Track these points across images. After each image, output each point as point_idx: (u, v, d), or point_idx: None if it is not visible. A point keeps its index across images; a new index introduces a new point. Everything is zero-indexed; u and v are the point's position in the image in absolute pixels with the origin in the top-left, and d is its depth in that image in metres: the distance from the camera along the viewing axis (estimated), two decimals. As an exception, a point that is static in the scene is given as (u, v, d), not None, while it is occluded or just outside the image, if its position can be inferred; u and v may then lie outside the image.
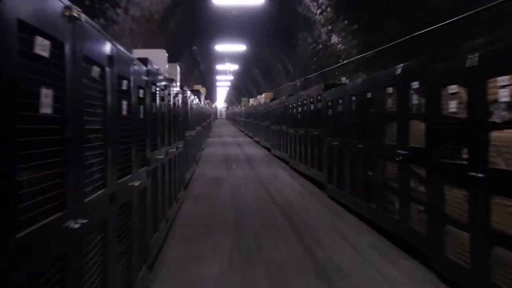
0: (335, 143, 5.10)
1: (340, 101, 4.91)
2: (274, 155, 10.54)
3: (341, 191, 4.92)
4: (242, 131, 22.58)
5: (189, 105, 6.52)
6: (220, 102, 61.35)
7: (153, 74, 2.94)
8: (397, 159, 3.34)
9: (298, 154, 7.51)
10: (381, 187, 3.71)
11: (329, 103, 5.40)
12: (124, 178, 2.06)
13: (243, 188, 6.20)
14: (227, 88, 35.77)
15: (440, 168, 2.70)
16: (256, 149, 12.72)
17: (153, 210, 2.94)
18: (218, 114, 59.52)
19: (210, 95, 36.69)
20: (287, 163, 8.78)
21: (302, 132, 7.17)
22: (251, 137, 17.33)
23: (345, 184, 4.76)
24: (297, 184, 6.52)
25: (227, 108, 54.48)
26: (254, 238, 3.64)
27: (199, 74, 20.11)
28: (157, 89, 3.12)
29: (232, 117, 37.08)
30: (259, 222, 4.17)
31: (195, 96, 8.63)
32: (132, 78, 2.23)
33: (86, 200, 1.48)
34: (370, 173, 4.02)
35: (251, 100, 19.78)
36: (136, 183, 2.23)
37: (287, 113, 8.65)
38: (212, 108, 35.49)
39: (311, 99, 6.55)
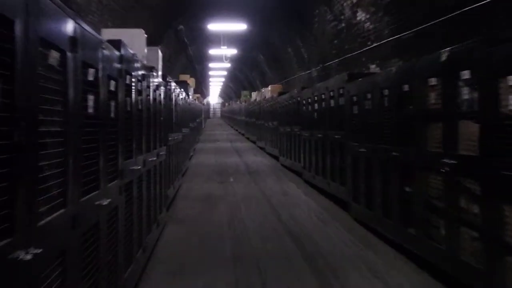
0: (362, 150, 5.13)
1: (369, 95, 4.95)
2: (284, 165, 10.60)
3: (370, 212, 4.93)
4: (242, 134, 22.76)
5: (174, 101, 6.60)
6: (214, 97, 61.78)
7: (127, 61, 2.98)
8: (443, 170, 3.34)
9: (315, 164, 7.58)
10: (422, 207, 3.71)
11: (354, 98, 5.45)
12: (90, 195, 2.09)
13: (244, 209, 6.25)
14: (223, 79, 36.07)
15: (500, 183, 2.70)
16: (260, 158, 12.86)
17: (127, 236, 2.96)
18: (212, 112, 60.03)
19: (201, 88, 36.95)
20: (300, 175, 8.81)
21: (319, 135, 7.21)
22: (253, 142, 17.48)
23: (375, 203, 4.77)
24: (313, 203, 6.54)
25: (223, 104, 54.93)
26: (258, 276, 3.64)
27: (187, 61, 20.28)
28: (133, 80, 3.17)
29: (229, 116, 37.38)
30: (265, 255, 4.18)
31: (182, 89, 8.74)
32: (100, 66, 2.26)
33: (41, 223, 1.48)
34: (407, 189, 4.02)
35: (254, 95, 19.86)
36: (105, 202, 2.25)
37: (300, 111, 8.72)
38: (204, 104, 35.70)
39: (331, 93, 6.61)
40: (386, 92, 4.48)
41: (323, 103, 6.99)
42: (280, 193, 7.40)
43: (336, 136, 6.27)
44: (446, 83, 3.37)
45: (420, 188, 3.74)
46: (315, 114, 7.52)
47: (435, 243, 3.52)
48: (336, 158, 6.33)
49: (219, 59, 20.71)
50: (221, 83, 41.81)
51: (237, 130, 27.09)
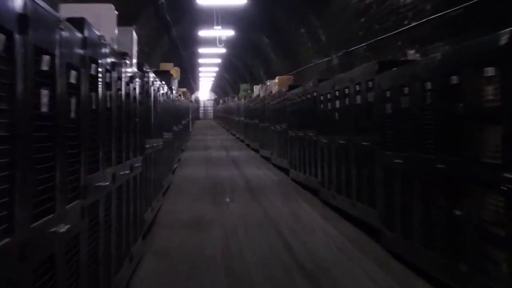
0: (397, 162, 5.16)
1: (406, 89, 4.99)
2: (295, 181, 10.63)
3: (408, 242, 4.93)
4: (242, 140, 22.92)
5: (153, 97, 6.63)
6: (205, 92, 61.86)
7: (93, 45, 3.00)
8: (504, 188, 3.33)
9: (335, 180, 7.62)
10: (477, 236, 3.70)
11: (387, 94, 5.49)
12: (43, 220, 2.08)
13: (244, 238, 6.28)
14: (216, 69, 36.23)
15: None
16: (265, 171, 12.94)
17: (90, 273, 2.95)
18: (202, 111, 60.14)
19: (188, 81, 37.04)
20: (316, 194, 8.83)
21: (341, 142, 7.23)
22: (255, 150, 17.58)
23: (415, 230, 4.77)
24: (334, 230, 6.56)
25: (216, 101, 55.04)
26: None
27: (170, 46, 20.33)
28: (100, 70, 3.19)
29: (224, 116, 37.55)
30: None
31: (163, 82, 8.82)
32: (58, 51, 2.27)
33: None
34: (457, 212, 4.01)
35: (256, 89, 19.97)
36: (63, 228, 2.25)
37: (316, 111, 8.76)
38: (192, 101, 35.80)
39: (357, 87, 6.64)
40: (429, 85, 4.50)
41: (347, 99, 7.04)
42: (290, 217, 7.44)
43: (364, 143, 6.29)
44: (506, 74, 3.37)
45: (473, 211, 3.74)
46: (336, 114, 7.55)
47: (492, 283, 3.50)
48: (364, 172, 6.35)
49: (212, 42, 20.77)
50: (214, 74, 41.89)
51: (234, 135, 27.22)
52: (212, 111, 59.29)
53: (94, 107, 3.06)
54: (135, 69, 5.17)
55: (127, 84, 4.36)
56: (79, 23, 2.75)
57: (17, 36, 1.77)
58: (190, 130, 27.36)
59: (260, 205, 8.32)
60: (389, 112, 5.40)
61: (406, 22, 7.95)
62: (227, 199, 8.86)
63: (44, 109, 2.13)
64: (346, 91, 7.06)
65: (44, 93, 2.13)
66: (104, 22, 4.32)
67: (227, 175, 11.98)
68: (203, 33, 18.71)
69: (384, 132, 5.53)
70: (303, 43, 14.61)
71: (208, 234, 6.45)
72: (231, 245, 5.89)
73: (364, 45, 9.89)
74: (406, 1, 7.82)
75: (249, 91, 23.99)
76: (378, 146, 5.74)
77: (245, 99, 23.19)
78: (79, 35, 2.71)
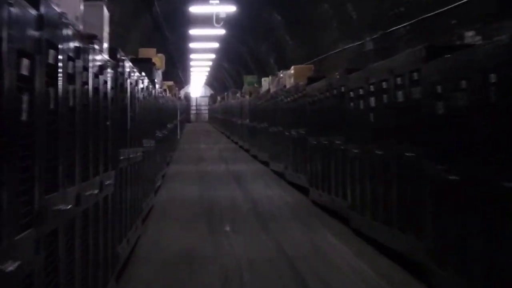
0: (452, 179, 5.11)
1: (464, 82, 4.97)
2: (316, 203, 10.63)
3: (466, 283, 4.89)
4: (247, 150, 22.86)
5: (129, 93, 6.63)
6: (197, 87, 61.79)
7: (51, 26, 3.00)
8: None
9: (371, 202, 7.57)
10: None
11: (438, 89, 5.50)
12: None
13: (249, 280, 6.28)
14: (213, 56, 36.15)
15: None
16: (277, 190, 12.88)
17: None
18: (193, 111, 60.02)
19: (176, 72, 36.92)
20: (345, 221, 8.77)
21: (378, 153, 7.23)
22: (265, 163, 17.59)
23: (473, 268, 4.72)
24: (369, 270, 6.52)
25: (212, 98, 54.87)
26: None
27: (153, 26, 20.32)
28: (60, 57, 3.19)
29: (222, 118, 37.63)
30: None
31: (143, 74, 8.78)
32: (5, 33, 2.27)
33: None
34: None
35: (265, 82, 20.02)
36: (11, 266, 2.24)
37: (344, 111, 8.79)
38: (181, 99, 35.72)
39: (398, 80, 6.65)
40: (493, 77, 4.47)
41: (385, 96, 7.05)
42: (311, 253, 7.39)
43: (408, 154, 6.27)
44: None
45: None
46: (372, 115, 7.57)
47: None
48: (408, 192, 6.32)
49: (207, 21, 20.80)
50: (210, 63, 41.83)
51: (236, 143, 27.22)
52: (207, 111, 59.27)
53: (52, 106, 3.05)
54: (106, 56, 5.17)
55: (96, 76, 4.37)
56: (33, -4, 2.75)
57: None
58: (179, 136, 27.53)
59: (271, 236, 8.27)
60: (441, 112, 5.42)
61: (462, -5, 7.99)
62: (227, 228, 8.82)
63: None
64: (384, 85, 7.05)
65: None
66: (66, -5, 4.33)
67: (227, 196, 11.92)
68: (195, 9, 18.73)
69: (435, 139, 5.55)
70: (327, 22, 14.61)
71: (201, 278, 6.40)
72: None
73: (408, 24, 9.87)
74: (463, -33, 7.87)
75: (255, 85, 24.25)
76: (426, 159, 5.73)
77: (250, 95, 23.34)
78: (33, 12, 2.69)
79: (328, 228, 8.77)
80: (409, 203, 6.31)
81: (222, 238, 8.17)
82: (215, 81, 53.51)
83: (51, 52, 3.01)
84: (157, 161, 11.83)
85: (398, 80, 6.62)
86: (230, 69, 39.67)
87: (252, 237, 8.24)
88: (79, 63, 3.72)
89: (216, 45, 29.18)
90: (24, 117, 2.56)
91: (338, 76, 9.37)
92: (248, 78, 26.76)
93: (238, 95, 29.62)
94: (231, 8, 18.45)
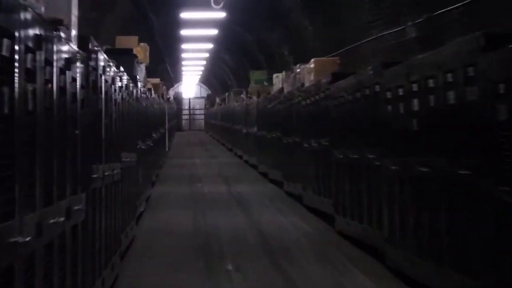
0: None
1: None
2: (344, 234, 10.16)
3: None
4: (254, 166, 22.65)
5: (103, 94, 6.62)
6: (190, 86, 61.83)
7: (6, 9, 3.06)
8: None
9: (414, 234, 7.27)
10: None
11: (500, 88, 5.36)
12: None
13: None
14: (210, 46, 35.29)
15: None
16: (293, 217, 12.60)
17: None
18: (186, 116, 59.82)
19: (164, 66, 36.72)
20: (381, 258, 8.30)
21: (423, 170, 6.92)
22: (278, 183, 17.36)
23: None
24: None
25: (209, 100, 54.87)
26: None
27: (134, 9, 20.55)
28: (17, 48, 3.23)
29: (222, 126, 38.90)
30: None
31: (122, 69, 8.72)
32: None
33: None
34: None
35: (278, 79, 19.68)
36: None
37: (379, 116, 8.54)
38: (170, 101, 35.60)
39: (448, 76, 6.43)
40: None
41: (431, 97, 6.80)
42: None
43: (462, 172, 5.98)
44: None
45: None
46: (414, 122, 7.25)
47: None
48: (462, 221, 6.12)
49: (203, 2, 20.23)
50: (207, 56, 40.90)
51: (240, 157, 26.88)
52: (203, 116, 58.50)
53: (6, 110, 3.09)
54: (75, 47, 5.14)
55: (62, 72, 4.36)
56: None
57: None
58: (167, 148, 28.11)
59: (286, 278, 7.86)
60: (504, 118, 5.27)
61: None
62: (229, 267, 8.44)
63: None
64: (429, 83, 6.82)
65: None
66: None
67: (228, 226, 11.62)
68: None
69: (496, 153, 5.37)
70: (357, 2, 14.13)
71: None
72: None
73: (460, 5, 9.24)
74: None
75: (265, 84, 23.95)
76: (485, 178, 5.54)
77: (258, 96, 22.80)
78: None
79: (359, 267, 8.29)
80: (462, 234, 6.11)
81: (223, 281, 7.77)
82: (214, 78, 53.37)
83: (5, 41, 3.05)
84: (139, 181, 11.64)
85: (449, 76, 6.40)
86: (232, 63, 39.39)
87: (261, 280, 7.88)
88: (41, 56, 3.72)
89: (214, 31, 28.41)
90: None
91: (371, 72, 9.08)
92: (255, 75, 26.91)
93: (242, 96, 29.61)
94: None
